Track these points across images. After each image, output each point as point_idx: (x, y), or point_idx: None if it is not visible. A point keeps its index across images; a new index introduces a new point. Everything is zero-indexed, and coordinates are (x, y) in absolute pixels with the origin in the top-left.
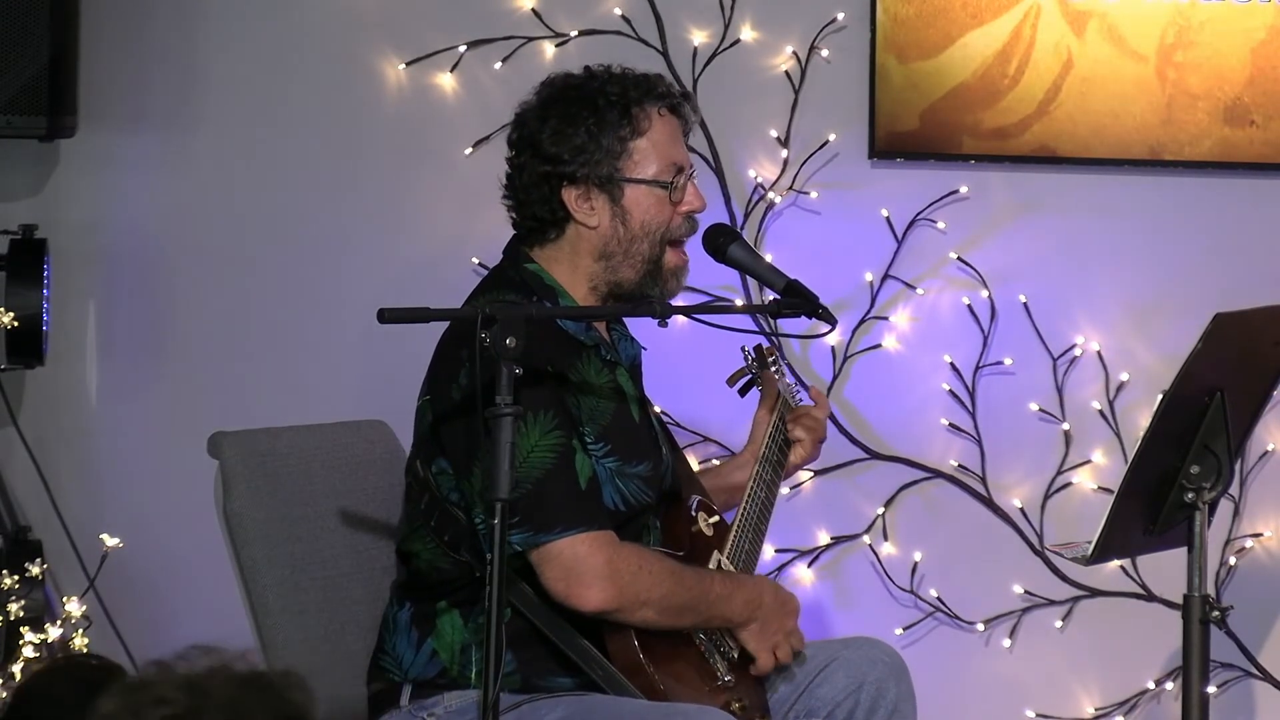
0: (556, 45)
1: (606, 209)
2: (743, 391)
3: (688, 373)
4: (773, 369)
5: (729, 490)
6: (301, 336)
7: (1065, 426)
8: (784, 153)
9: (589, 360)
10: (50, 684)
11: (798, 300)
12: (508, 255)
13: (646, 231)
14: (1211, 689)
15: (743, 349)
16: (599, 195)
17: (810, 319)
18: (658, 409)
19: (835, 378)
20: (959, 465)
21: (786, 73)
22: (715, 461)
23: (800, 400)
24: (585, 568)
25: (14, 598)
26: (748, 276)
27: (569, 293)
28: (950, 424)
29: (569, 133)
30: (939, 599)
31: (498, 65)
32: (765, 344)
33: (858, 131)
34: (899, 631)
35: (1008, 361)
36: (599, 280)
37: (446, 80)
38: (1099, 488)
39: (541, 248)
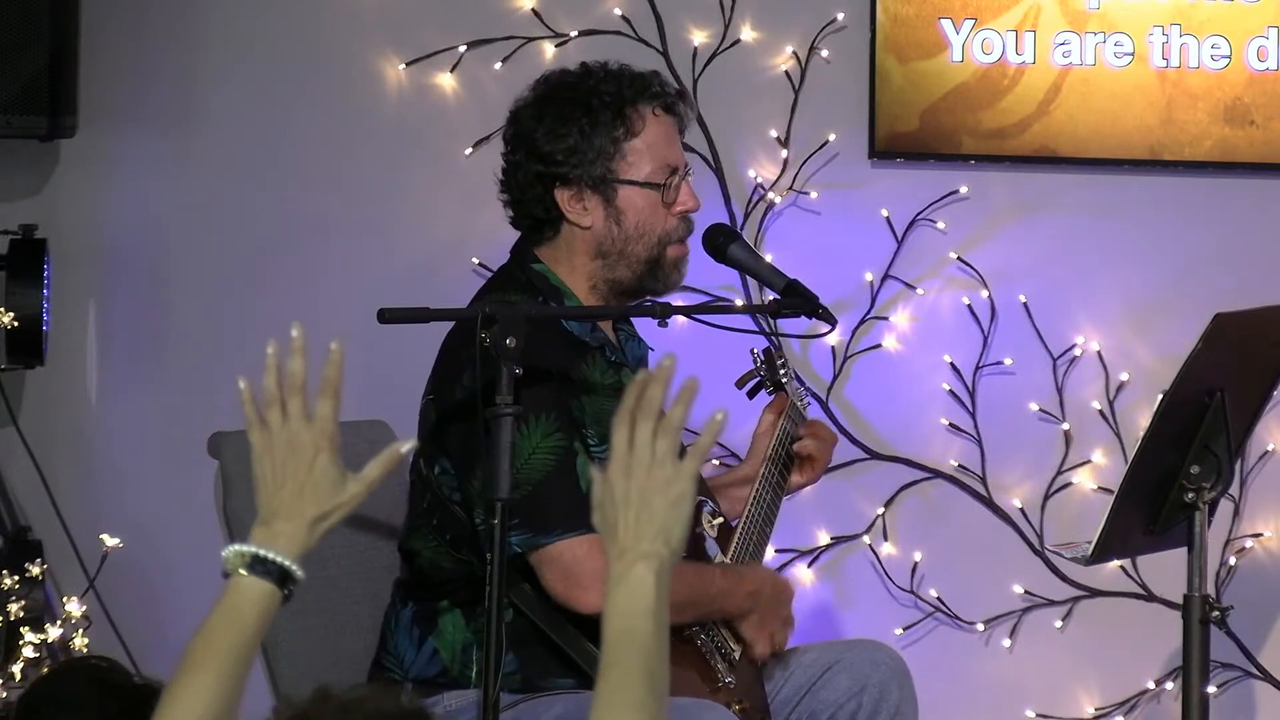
0: (556, 45)
1: (600, 209)
2: (751, 394)
3: (688, 373)
4: (781, 372)
5: (730, 499)
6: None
7: (1065, 426)
8: (784, 153)
9: (593, 361)
10: (59, 686)
11: (798, 300)
12: (514, 255)
13: (641, 233)
14: (1211, 689)
15: (751, 351)
16: (592, 196)
17: (810, 319)
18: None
19: (835, 378)
20: (959, 465)
21: (786, 73)
22: (715, 462)
23: (808, 403)
24: (584, 570)
25: (14, 598)
26: (748, 276)
27: (573, 292)
28: (950, 424)
29: (562, 133)
30: (939, 599)
31: (498, 65)
32: (773, 346)
33: (858, 131)
34: (899, 632)
35: (1008, 361)
36: (597, 279)
37: (446, 80)
38: (1099, 488)
39: (543, 246)
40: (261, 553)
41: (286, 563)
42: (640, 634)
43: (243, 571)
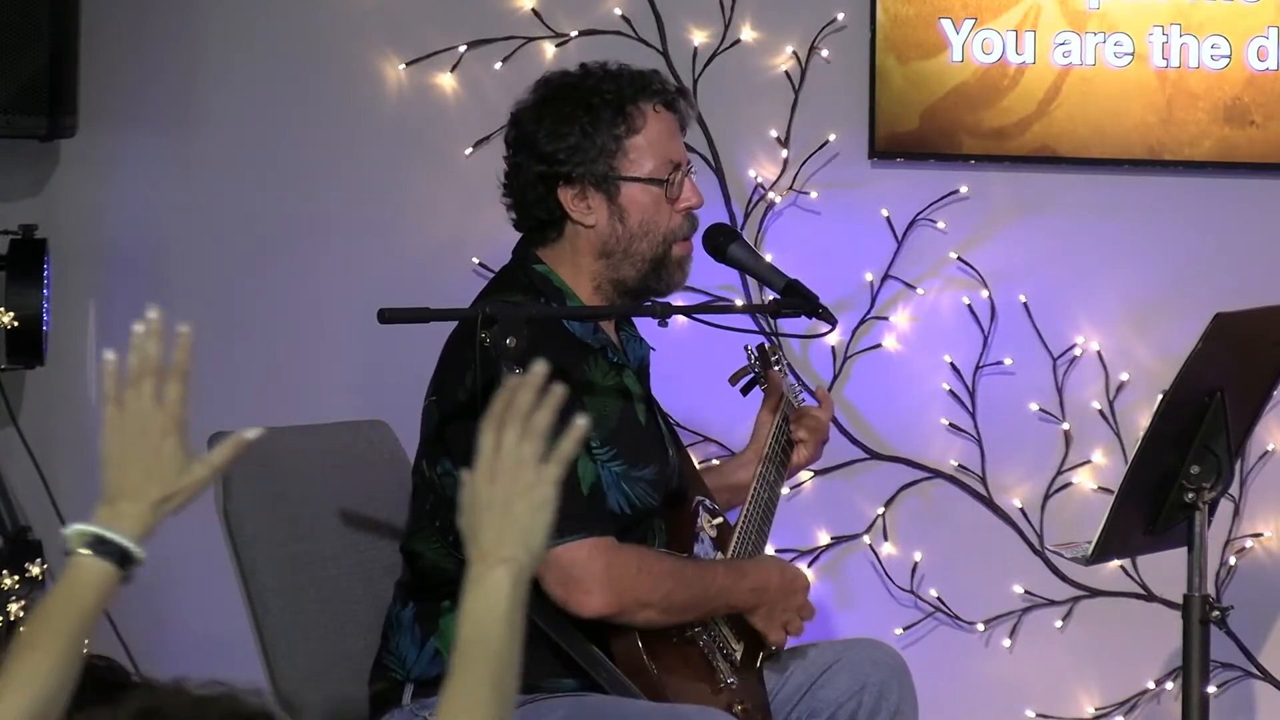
0: (556, 45)
1: (604, 208)
2: (745, 391)
3: (688, 372)
4: (776, 368)
5: (730, 489)
6: (301, 336)
7: (1065, 426)
8: (784, 153)
9: (595, 363)
10: None
11: (798, 300)
12: (516, 256)
13: (646, 231)
14: (1211, 689)
15: (745, 348)
16: (595, 194)
17: (810, 319)
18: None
19: (835, 378)
20: (959, 465)
21: (786, 73)
22: (715, 461)
23: (803, 400)
24: (584, 573)
25: (14, 598)
26: (748, 276)
27: (575, 294)
28: (950, 424)
29: (563, 132)
30: (939, 599)
31: (498, 65)
32: (768, 343)
33: (858, 131)
34: (899, 631)
35: (1008, 361)
36: (601, 279)
37: (446, 80)
38: (1099, 488)
39: (546, 248)
40: (103, 533)
41: (127, 544)
42: (492, 639)
43: (84, 551)
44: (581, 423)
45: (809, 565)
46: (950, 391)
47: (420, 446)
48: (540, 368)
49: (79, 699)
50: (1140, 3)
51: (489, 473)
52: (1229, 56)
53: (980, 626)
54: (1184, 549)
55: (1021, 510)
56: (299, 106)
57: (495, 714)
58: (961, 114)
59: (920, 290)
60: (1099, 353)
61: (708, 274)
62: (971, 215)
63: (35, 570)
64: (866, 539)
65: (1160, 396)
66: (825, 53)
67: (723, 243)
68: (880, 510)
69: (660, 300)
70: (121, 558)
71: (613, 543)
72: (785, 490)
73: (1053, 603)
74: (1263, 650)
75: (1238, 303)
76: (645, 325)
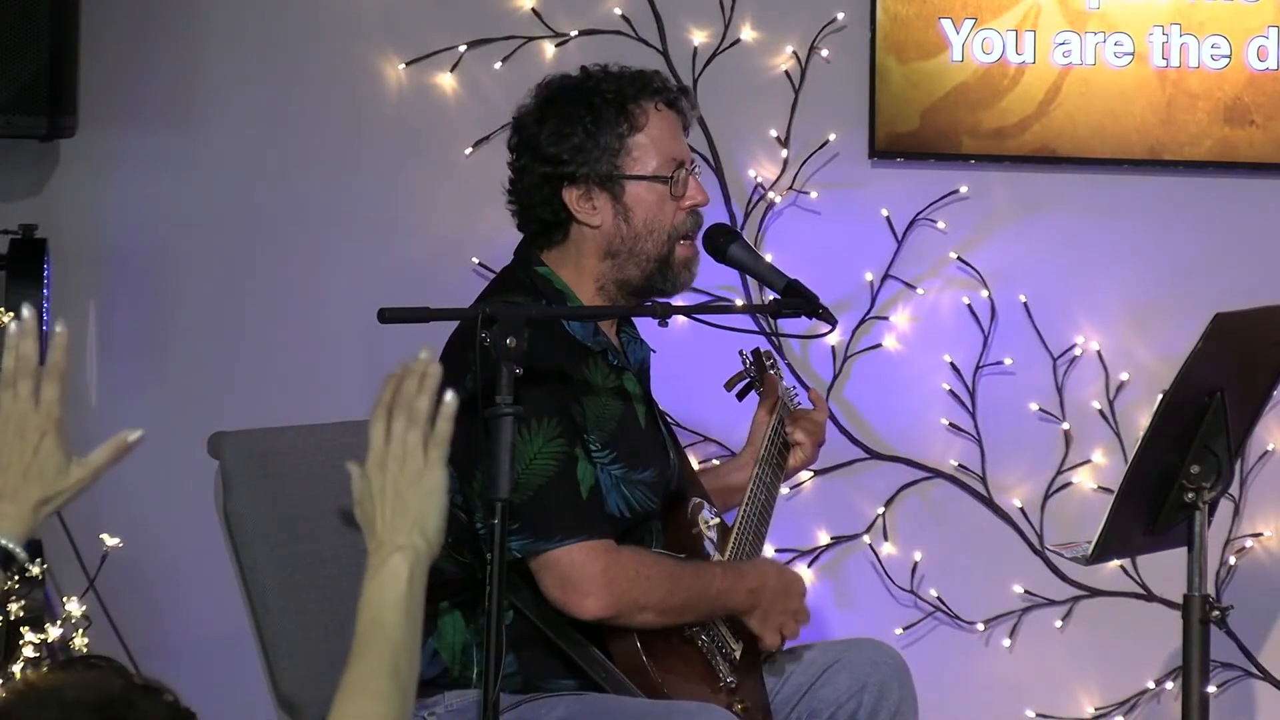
0: (556, 45)
1: (608, 207)
2: (740, 396)
3: (688, 372)
4: (771, 372)
5: (726, 491)
6: (301, 336)
7: (1065, 426)
8: (784, 153)
9: (595, 366)
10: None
11: (798, 300)
12: (518, 257)
13: (650, 229)
14: (1211, 689)
15: (741, 353)
16: (600, 194)
17: (810, 319)
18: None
19: (835, 378)
20: (959, 465)
21: (786, 73)
22: (715, 461)
23: (799, 402)
24: (582, 576)
25: (14, 598)
26: (748, 276)
27: (577, 295)
28: (950, 424)
29: (567, 133)
30: (939, 599)
31: (498, 65)
32: (764, 347)
33: (858, 131)
34: (899, 631)
35: (1008, 361)
36: (606, 280)
37: (446, 80)
38: (1099, 488)
39: (549, 250)
40: None
41: (10, 545)
42: (388, 626)
43: None
44: (450, 399)
45: (809, 565)
46: (950, 391)
47: None
48: (424, 354)
49: None
50: (1140, 3)
51: (380, 462)
52: (1229, 56)
53: (980, 626)
54: (1184, 549)
55: (1021, 510)
56: (299, 106)
57: (395, 702)
58: (961, 114)
59: (920, 290)
60: (1099, 353)
61: (708, 274)
62: (971, 215)
63: (35, 570)
64: (866, 539)
65: (1160, 396)
66: (825, 53)
67: (723, 243)
68: (880, 510)
69: (660, 300)
70: (4, 559)
71: (610, 545)
72: (785, 490)
73: (1053, 603)
74: (1263, 650)
75: (1238, 303)
76: (645, 326)
